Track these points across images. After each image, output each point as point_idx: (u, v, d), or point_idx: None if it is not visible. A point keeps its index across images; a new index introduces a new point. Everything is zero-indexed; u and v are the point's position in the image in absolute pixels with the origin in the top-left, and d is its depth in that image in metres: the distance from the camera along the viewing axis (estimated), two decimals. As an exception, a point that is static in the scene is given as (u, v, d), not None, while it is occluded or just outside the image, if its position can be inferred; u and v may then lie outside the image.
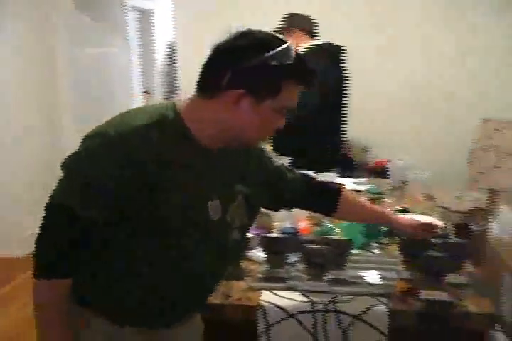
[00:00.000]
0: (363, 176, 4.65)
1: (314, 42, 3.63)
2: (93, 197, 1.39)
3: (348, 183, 3.41)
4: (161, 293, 1.56)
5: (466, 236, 2.43)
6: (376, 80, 5.07)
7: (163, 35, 6.88)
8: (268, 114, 1.48)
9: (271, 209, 2.06)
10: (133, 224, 1.45)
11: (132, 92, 6.28)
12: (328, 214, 2.05)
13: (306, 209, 2.11)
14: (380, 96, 5.08)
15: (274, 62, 1.42)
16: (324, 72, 3.47)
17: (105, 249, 1.48)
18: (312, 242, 2.20)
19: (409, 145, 5.11)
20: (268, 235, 2.12)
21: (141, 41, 6.74)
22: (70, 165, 1.43)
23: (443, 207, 4.06)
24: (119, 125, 1.43)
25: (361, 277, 2.07)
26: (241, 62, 1.42)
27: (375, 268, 2.14)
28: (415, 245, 2.06)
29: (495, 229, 2.49)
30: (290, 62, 1.44)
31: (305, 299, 1.92)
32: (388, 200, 2.89)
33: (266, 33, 1.49)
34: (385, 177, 3.86)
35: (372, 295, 1.94)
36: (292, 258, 2.17)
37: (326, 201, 1.98)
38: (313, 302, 1.90)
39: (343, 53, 3.66)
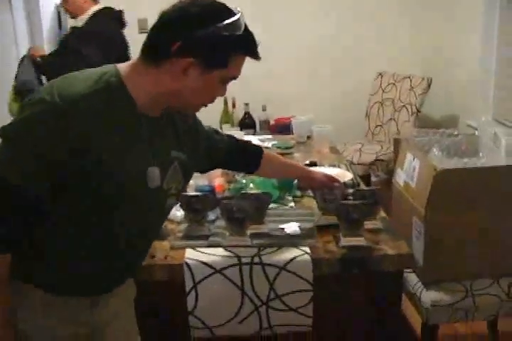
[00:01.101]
0: (265, 134, 4.71)
1: (97, 6, 4.00)
2: (28, 167, 1.35)
3: (254, 140, 3.43)
4: (97, 261, 1.54)
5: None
6: (274, 43, 5.08)
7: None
8: (213, 83, 1.48)
9: (200, 172, 2.06)
10: (70, 195, 1.41)
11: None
12: (250, 172, 2.12)
13: (231, 169, 2.16)
14: (278, 55, 5.10)
15: (225, 33, 1.41)
16: (112, 34, 3.91)
17: (43, 219, 1.43)
18: (230, 199, 2.22)
19: (306, 102, 5.17)
20: (185, 193, 2.11)
21: (25, 4, 6.44)
22: (8, 133, 1.37)
23: (346, 161, 4.19)
24: (62, 91, 1.37)
25: (281, 229, 2.11)
26: (193, 31, 1.40)
27: (293, 220, 2.18)
28: (330, 192, 2.11)
29: (401, 175, 2.58)
30: (240, 34, 1.44)
31: (229, 254, 1.94)
32: (296, 154, 2.93)
33: (217, 2, 1.48)
34: (286, 134, 3.92)
35: (294, 245, 1.98)
36: (211, 215, 2.18)
37: (250, 161, 2.04)
38: (238, 257, 1.91)
39: (124, 17, 4.02)
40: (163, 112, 1.56)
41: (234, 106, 4.98)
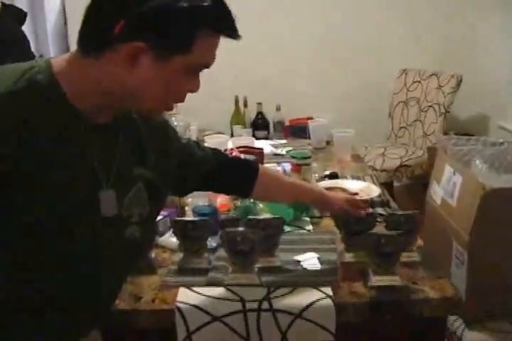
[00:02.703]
0: (279, 136, 4.34)
1: None
2: None
3: (266, 146, 3.06)
4: (38, 317, 1.18)
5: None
6: (288, 37, 4.69)
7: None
8: (176, 74, 1.13)
9: (177, 195, 1.71)
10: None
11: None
12: (244, 196, 1.79)
13: (219, 192, 1.79)
14: (293, 50, 4.71)
15: (184, 4, 1.06)
16: (14, 32, 3.48)
17: None
18: (234, 223, 1.85)
19: (324, 102, 4.78)
20: (179, 219, 1.75)
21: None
22: None
23: (368, 166, 3.81)
24: None
25: (297, 262, 1.73)
26: (138, 5, 1.05)
27: (312, 249, 1.81)
28: (356, 222, 1.73)
29: (438, 191, 2.20)
30: (206, 4, 1.09)
31: (232, 296, 1.56)
32: (315, 165, 2.54)
33: None
34: (303, 137, 3.54)
35: (312, 285, 1.60)
36: (212, 241, 1.81)
37: (241, 182, 1.67)
38: (242, 300, 1.54)
39: (25, 17, 3.66)
40: (116, 117, 1.21)
41: (246, 105, 4.61)
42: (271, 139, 4.46)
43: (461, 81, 4.08)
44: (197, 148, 1.57)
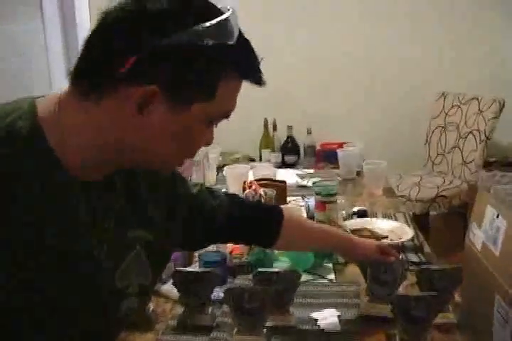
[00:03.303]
0: (310, 161, 4.13)
1: None
2: None
3: (292, 176, 2.86)
4: None
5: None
6: (321, 58, 4.50)
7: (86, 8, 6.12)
8: (194, 124, 0.94)
9: (190, 250, 1.52)
10: None
11: (52, 77, 5.48)
12: (266, 247, 1.59)
13: (237, 243, 1.58)
14: (325, 70, 4.51)
15: (209, 41, 0.87)
16: None
17: None
18: (246, 269, 1.65)
19: (358, 126, 4.56)
20: (180, 269, 1.54)
21: (61, 14, 5.95)
22: None
23: (402, 196, 3.57)
24: None
25: (314, 321, 1.51)
26: (153, 40, 0.86)
27: (332, 304, 1.58)
28: (386, 271, 1.51)
29: (479, 235, 1.96)
30: (232, 43, 0.89)
31: (236, 363, 1.35)
32: (342, 200, 2.32)
33: None
34: (335, 163, 3.30)
35: (330, 353, 1.38)
36: (220, 292, 1.59)
37: (263, 232, 1.46)
38: (246, 370, 1.32)
39: None
40: (111, 173, 1.01)
41: (275, 128, 4.40)
42: (301, 164, 4.26)
43: (503, 105, 3.82)
44: (210, 197, 1.37)
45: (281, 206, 1.96)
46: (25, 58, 4.57)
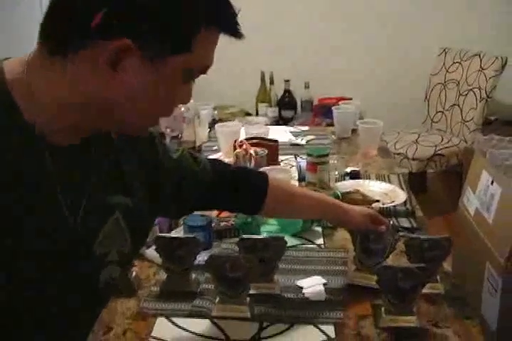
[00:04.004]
0: (307, 116, 4.06)
1: None
2: None
3: (285, 134, 2.80)
4: None
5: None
6: (319, 10, 4.38)
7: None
8: (170, 79, 0.89)
9: (173, 218, 1.52)
10: None
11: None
12: (251, 214, 1.55)
13: (222, 210, 1.57)
14: (322, 23, 4.40)
15: None
16: None
17: None
18: (232, 233, 1.62)
19: (356, 80, 4.47)
20: (162, 235, 1.50)
21: None
22: None
23: (398, 154, 3.52)
24: None
25: (299, 289, 1.48)
26: None
27: (319, 272, 1.55)
28: (375, 240, 1.47)
29: (473, 200, 1.91)
30: None
31: (216, 333, 1.32)
32: (335, 161, 2.27)
33: None
34: (330, 118, 3.21)
35: (313, 323, 1.34)
36: (205, 256, 1.55)
37: (247, 199, 1.40)
38: (227, 340, 1.29)
39: None
40: (88, 136, 0.96)
41: (272, 82, 4.31)
42: (297, 119, 4.19)
43: (505, 63, 3.74)
44: (192, 162, 1.32)
45: (269, 170, 1.93)
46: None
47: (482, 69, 3.83)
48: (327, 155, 2.08)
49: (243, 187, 1.40)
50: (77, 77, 0.88)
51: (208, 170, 1.34)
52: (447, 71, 4.10)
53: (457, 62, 4.05)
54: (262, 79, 4.27)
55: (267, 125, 3.12)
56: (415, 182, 3.64)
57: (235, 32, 0.94)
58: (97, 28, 0.82)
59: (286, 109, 4.30)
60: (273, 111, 4.20)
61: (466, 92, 3.92)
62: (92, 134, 1.00)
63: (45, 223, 0.95)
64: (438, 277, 1.49)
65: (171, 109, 0.98)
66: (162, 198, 1.21)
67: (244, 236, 1.45)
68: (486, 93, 3.75)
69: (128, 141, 1.10)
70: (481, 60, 3.87)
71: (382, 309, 1.34)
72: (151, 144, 1.19)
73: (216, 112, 3.42)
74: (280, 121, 4.14)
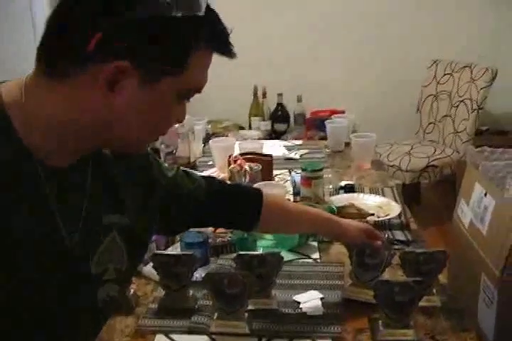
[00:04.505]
0: (300, 130, 4.09)
1: None
2: None
3: (279, 148, 2.81)
4: None
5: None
6: (311, 24, 4.41)
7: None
8: (165, 99, 0.92)
9: (169, 235, 1.53)
10: None
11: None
12: (246, 231, 1.57)
13: (217, 227, 1.57)
14: (316, 37, 4.43)
15: (177, 13, 0.84)
16: None
17: None
18: (227, 248, 1.63)
19: (349, 93, 4.49)
20: (159, 252, 1.51)
21: None
22: None
23: (392, 166, 3.54)
24: None
25: (296, 303, 1.49)
26: (120, 14, 0.83)
27: (316, 286, 1.56)
28: (371, 255, 1.48)
29: (467, 212, 1.93)
30: (201, 14, 0.87)
31: (215, 349, 1.33)
32: (329, 175, 2.28)
33: None
34: (323, 131, 3.22)
35: (312, 337, 1.35)
36: (202, 273, 1.56)
37: (241, 217, 1.42)
38: (226, 356, 1.30)
39: None
40: (82, 156, 0.98)
41: (264, 96, 4.34)
42: (290, 132, 4.21)
43: (496, 74, 3.77)
44: (187, 180, 1.33)
45: (264, 185, 1.95)
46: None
47: (473, 80, 3.86)
48: (321, 169, 2.09)
49: (238, 204, 1.41)
50: (75, 98, 0.89)
51: (203, 188, 1.35)
52: (438, 83, 4.14)
53: (448, 74, 4.09)
54: (255, 93, 4.30)
55: (260, 139, 3.15)
56: (409, 194, 3.65)
57: (227, 52, 0.96)
58: (94, 52, 0.84)
59: (279, 123, 4.33)
60: (266, 125, 4.23)
61: (457, 103, 3.95)
62: (88, 154, 1.01)
63: (44, 246, 0.95)
64: (434, 290, 1.50)
65: (167, 128, 1.00)
66: (157, 216, 1.22)
67: (241, 252, 1.46)
68: (477, 104, 3.78)
69: (122, 158, 1.11)
70: (471, 72, 3.91)
71: (380, 323, 1.35)
72: (145, 162, 1.20)
73: (210, 126, 3.43)
74: (273, 134, 4.16)
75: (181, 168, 1.37)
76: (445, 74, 4.11)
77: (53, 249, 0.97)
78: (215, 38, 0.93)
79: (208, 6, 0.89)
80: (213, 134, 3.11)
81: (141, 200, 1.15)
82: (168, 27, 0.85)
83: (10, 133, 0.89)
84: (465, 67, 3.98)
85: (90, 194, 1.02)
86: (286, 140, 3.31)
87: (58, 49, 0.88)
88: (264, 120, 4.30)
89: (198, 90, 0.97)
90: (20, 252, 0.92)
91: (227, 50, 0.95)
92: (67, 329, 1.02)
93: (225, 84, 4.20)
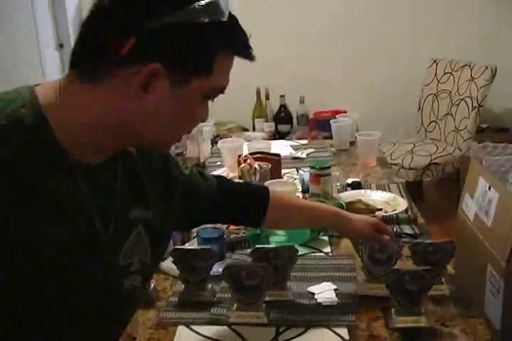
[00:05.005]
0: (303, 130, 4.15)
1: None
2: None
3: (286, 148, 2.87)
4: None
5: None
6: (312, 25, 4.46)
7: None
8: (193, 99, 0.98)
9: (182, 230, 1.62)
10: None
11: (41, 46, 5.38)
12: (254, 226, 1.64)
13: (227, 223, 1.61)
14: (316, 39, 4.48)
15: (205, 19, 0.90)
16: None
17: None
18: (243, 244, 1.68)
19: (350, 93, 4.55)
20: (179, 247, 1.57)
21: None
22: None
23: (395, 164, 3.60)
24: None
25: (311, 294, 1.55)
26: (155, 19, 0.88)
27: (329, 278, 1.62)
28: (381, 250, 1.53)
29: (471, 206, 1.99)
30: (224, 20, 0.93)
31: (236, 338, 1.38)
32: (336, 173, 2.34)
33: None
34: (328, 131, 3.28)
35: (327, 325, 1.41)
36: (219, 267, 1.62)
37: (250, 211, 1.49)
38: (247, 344, 1.36)
39: None
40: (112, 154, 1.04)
41: (267, 98, 4.42)
42: (294, 133, 4.27)
43: (495, 72, 3.83)
44: (200, 179, 1.40)
45: (275, 183, 2.01)
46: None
47: (473, 78, 3.92)
48: (329, 167, 2.15)
49: (245, 201, 1.48)
50: (108, 100, 0.94)
51: (215, 186, 1.42)
52: (439, 81, 4.20)
53: (448, 73, 4.15)
54: (258, 95, 4.37)
55: (265, 139, 3.20)
56: (412, 191, 3.70)
57: (248, 55, 1.02)
58: (128, 56, 0.90)
59: (283, 124, 4.40)
60: (269, 126, 4.29)
61: (458, 102, 4.01)
62: (117, 152, 1.07)
63: (76, 236, 0.99)
64: (443, 279, 1.56)
65: (193, 127, 1.07)
66: (174, 210, 1.28)
67: (257, 245, 1.52)
68: (477, 102, 3.84)
69: (145, 155, 1.17)
70: (471, 70, 3.97)
71: (392, 310, 1.41)
72: (165, 159, 1.26)
73: (214, 129, 3.49)
74: (277, 135, 4.23)
75: (194, 167, 1.43)
76: (445, 73, 4.17)
77: (88, 240, 1.01)
78: (237, 42, 1.00)
79: (229, 12, 0.96)
80: (217, 136, 3.17)
81: (160, 194, 1.21)
82: (197, 31, 0.91)
83: (48, 134, 0.94)
84: (465, 65, 4.04)
85: (120, 191, 1.08)
86: (290, 140, 3.37)
87: (93, 54, 0.93)
88: (267, 121, 4.37)
89: (222, 91, 1.03)
90: (48, 252, 0.95)
91: (247, 54, 1.02)
92: (68, 310, 1.05)
93: (228, 86, 4.25)
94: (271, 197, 1.50)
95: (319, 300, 1.52)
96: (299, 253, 1.61)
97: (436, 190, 4.43)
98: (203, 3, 0.90)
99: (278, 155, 2.39)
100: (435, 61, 4.26)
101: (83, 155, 0.99)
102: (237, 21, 1.00)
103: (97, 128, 0.97)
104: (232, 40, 0.98)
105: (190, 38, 0.91)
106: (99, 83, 0.93)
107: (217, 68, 0.97)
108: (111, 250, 1.06)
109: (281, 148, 2.81)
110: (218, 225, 1.74)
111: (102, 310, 1.08)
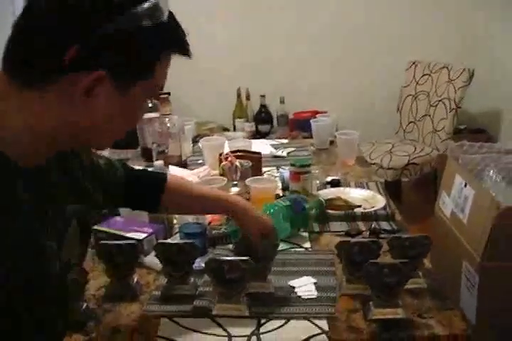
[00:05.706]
0: (283, 130, 4.19)
1: None
2: None
3: (266, 147, 2.90)
4: None
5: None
6: (292, 26, 4.50)
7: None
8: (137, 100, 1.00)
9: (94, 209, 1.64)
10: None
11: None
12: (151, 211, 1.70)
13: (130, 206, 1.62)
14: (297, 39, 4.52)
15: (148, 23, 0.90)
16: None
17: None
18: (224, 240, 1.71)
19: (330, 94, 4.60)
20: (162, 241, 1.60)
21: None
22: None
23: (374, 164, 3.65)
24: None
25: (291, 288, 1.58)
26: (98, 23, 0.88)
27: (309, 272, 1.66)
28: (359, 252, 1.56)
29: (448, 203, 2.04)
30: (165, 20, 0.93)
31: (218, 330, 1.41)
32: (316, 171, 2.38)
33: None
34: (308, 131, 3.32)
35: (307, 317, 1.45)
36: (201, 262, 1.65)
37: (144, 198, 1.53)
38: (229, 336, 1.39)
39: None
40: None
41: (248, 98, 4.45)
42: (274, 133, 4.31)
43: (473, 74, 3.89)
44: (111, 165, 1.44)
45: (256, 180, 2.04)
46: None
47: (451, 80, 3.98)
48: (309, 165, 2.19)
49: (141, 186, 1.51)
50: (50, 106, 0.93)
51: (120, 172, 1.45)
52: (417, 83, 4.26)
53: (427, 75, 4.21)
54: (238, 95, 4.40)
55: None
56: (390, 191, 3.75)
57: (186, 52, 1.03)
58: (71, 62, 0.88)
59: (263, 124, 4.44)
60: (250, 126, 4.33)
61: (436, 103, 4.07)
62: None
63: (17, 246, 0.95)
64: (420, 273, 1.60)
65: (137, 123, 1.10)
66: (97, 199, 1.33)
67: (237, 239, 1.56)
68: (455, 103, 3.91)
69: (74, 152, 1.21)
70: (449, 72, 4.03)
71: (371, 303, 1.44)
72: (88, 153, 1.31)
73: (194, 128, 3.51)
74: (257, 135, 4.26)
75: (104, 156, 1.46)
76: (424, 75, 4.23)
77: (29, 247, 0.98)
78: (178, 41, 1.01)
79: (168, 11, 0.96)
80: (198, 136, 3.19)
81: (91, 184, 1.27)
82: (140, 35, 0.91)
83: None
84: (443, 67, 4.10)
85: (57, 188, 1.10)
86: (271, 138, 3.40)
87: (35, 61, 0.91)
88: (248, 121, 4.40)
89: (162, 88, 1.05)
90: (21, 252, 0.95)
91: (186, 51, 1.02)
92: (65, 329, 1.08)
93: (208, 86, 4.28)
94: (170, 182, 1.53)
95: (299, 294, 1.55)
96: (280, 249, 1.65)
97: (414, 190, 4.48)
98: (145, 6, 0.90)
99: (259, 153, 2.42)
100: (414, 63, 4.32)
101: (22, 159, 0.96)
102: (175, 18, 1.00)
103: (39, 132, 0.95)
104: (173, 40, 0.99)
105: (135, 43, 0.91)
106: (43, 90, 0.92)
107: (159, 69, 0.98)
108: (52, 251, 1.04)
109: (262, 146, 2.84)
110: (200, 220, 1.77)
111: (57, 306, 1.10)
